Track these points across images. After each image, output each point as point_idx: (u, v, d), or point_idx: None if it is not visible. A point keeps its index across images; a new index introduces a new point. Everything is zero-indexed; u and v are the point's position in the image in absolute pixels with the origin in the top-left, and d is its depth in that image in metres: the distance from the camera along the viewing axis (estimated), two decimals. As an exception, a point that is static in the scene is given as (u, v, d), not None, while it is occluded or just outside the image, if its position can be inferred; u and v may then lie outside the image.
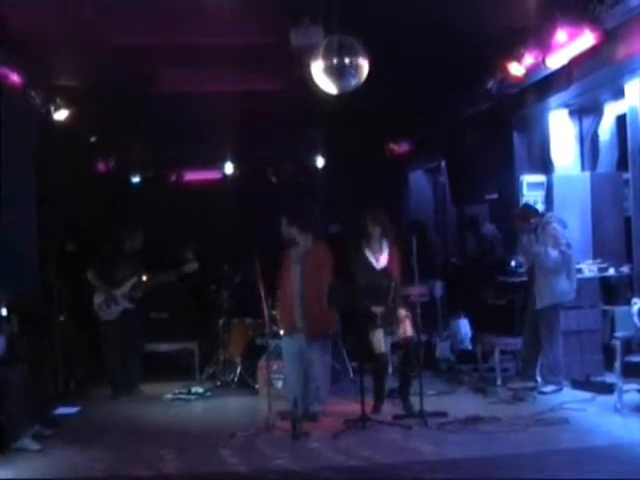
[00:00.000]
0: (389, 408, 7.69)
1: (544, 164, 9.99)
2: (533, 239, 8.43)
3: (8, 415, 6.65)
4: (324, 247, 7.84)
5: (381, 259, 7.81)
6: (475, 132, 10.87)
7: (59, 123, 9.03)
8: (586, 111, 9.98)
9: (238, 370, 9.39)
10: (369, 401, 7.42)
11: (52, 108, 8.88)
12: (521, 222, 8.61)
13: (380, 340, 7.58)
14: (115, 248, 9.35)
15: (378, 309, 7.52)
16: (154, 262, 9.41)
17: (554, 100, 9.35)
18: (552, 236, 8.28)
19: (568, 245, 8.29)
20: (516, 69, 8.31)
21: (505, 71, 8.45)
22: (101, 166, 12.57)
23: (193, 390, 9.17)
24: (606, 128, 9.84)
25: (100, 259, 9.30)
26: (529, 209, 8.86)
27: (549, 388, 8.23)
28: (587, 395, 7.85)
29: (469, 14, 7.26)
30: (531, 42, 7.96)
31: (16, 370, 6.82)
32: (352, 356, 9.68)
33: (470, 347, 9.61)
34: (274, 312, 8.55)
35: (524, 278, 8.88)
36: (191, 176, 14.19)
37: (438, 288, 10.03)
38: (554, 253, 8.18)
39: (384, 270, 7.75)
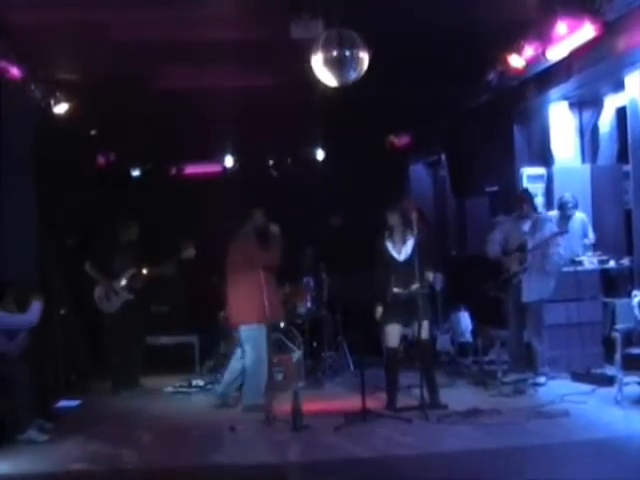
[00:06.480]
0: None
1: (544, 156, 9.99)
2: (524, 228, 8.51)
3: (12, 408, 6.67)
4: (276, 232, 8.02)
5: (403, 250, 7.67)
6: (475, 125, 10.86)
7: (59, 116, 9.02)
8: (586, 103, 9.98)
9: (239, 363, 9.39)
10: (369, 395, 7.40)
11: (52, 102, 8.87)
12: (523, 204, 8.64)
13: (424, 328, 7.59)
14: (111, 240, 9.37)
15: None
16: (154, 254, 9.40)
17: (554, 92, 9.34)
18: (555, 237, 8.39)
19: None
20: (516, 61, 8.28)
21: (505, 63, 8.42)
22: (101, 159, 12.58)
23: (194, 383, 9.20)
24: (606, 120, 9.84)
25: (96, 251, 9.31)
26: (529, 195, 8.94)
27: (542, 379, 8.29)
28: (587, 387, 7.88)
29: (469, 6, 7.24)
30: (531, 34, 7.93)
31: (17, 363, 6.84)
32: (353, 349, 9.71)
33: (470, 340, 9.63)
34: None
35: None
36: (191, 169, 14.17)
37: (438, 281, 10.01)
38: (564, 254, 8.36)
39: (408, 261, 7.58)
